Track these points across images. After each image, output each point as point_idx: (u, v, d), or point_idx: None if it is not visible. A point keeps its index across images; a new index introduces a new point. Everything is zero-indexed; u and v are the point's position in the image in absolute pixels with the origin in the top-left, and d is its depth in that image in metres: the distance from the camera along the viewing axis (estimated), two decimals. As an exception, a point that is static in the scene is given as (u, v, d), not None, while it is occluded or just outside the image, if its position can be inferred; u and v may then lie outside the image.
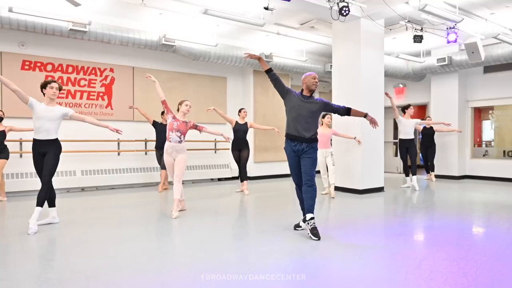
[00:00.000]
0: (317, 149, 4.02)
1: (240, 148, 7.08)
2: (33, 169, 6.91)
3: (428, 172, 9.52)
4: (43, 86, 4.37)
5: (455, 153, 9.72)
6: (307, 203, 3.87)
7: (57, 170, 6.98)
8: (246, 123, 7.16)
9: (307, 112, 3.91)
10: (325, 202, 6.17)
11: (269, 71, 4.01)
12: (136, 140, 8.00)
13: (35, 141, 4.29)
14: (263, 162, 9.69)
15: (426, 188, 8.07)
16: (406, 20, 6.95)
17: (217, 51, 8.12)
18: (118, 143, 7.81)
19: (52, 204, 4.53)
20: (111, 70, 7.73)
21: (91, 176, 7.42)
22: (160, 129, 7.31)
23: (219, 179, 9.26)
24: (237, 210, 5.69)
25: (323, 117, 6.76)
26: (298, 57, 9.33)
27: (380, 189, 7.27)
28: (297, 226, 4.19)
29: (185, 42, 7.66)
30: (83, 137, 7.34)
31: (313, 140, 3.95)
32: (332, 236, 3.92)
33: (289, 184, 8.84)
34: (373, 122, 4.13)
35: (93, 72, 7.54)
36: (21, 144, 6.85)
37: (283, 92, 4.02)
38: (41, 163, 4.33)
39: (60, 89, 4.44)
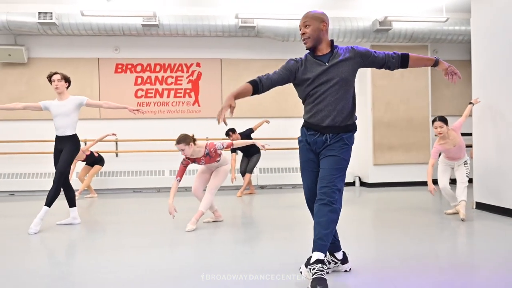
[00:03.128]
0: (349, 144, 2.34)
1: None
2: (126, 168, 7.16)
3: None
4: (49, 82, 4.10)
5: None
6: (317, 232, 2.23)
7: (150, 169, 7.14)
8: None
9: (333, 81, 2.32)
10: (446, 226, 3.96)
11: (256, 91, 2.33)
12: (223, 138, 7.27)
13: (56, 137, 4.19)
14: (385, 164, 7.39)
15: None
16: None
17: (310, 26, 6.56)
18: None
19: (72, 204, 4.26)
20: (198, 64, 7.28)
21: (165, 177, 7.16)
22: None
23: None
24: (279, 229, 4.07)
25: (433, 124, 4.23)
26: (434, 18, 6.69)
27: None
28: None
29: (265, 21, 6.47)
30: (160, 136, 7.13)
31: (344, 129, 2.33)
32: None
33: (403, 196, 6.38)
34: (451, 73, 2.46)
35: (180, 68, 7.26)
36: (116, 144, 7.16)
37: (287, 76, 2.36)
38: (58, 159, 4.13)
39: (66, 79, 4.10)
